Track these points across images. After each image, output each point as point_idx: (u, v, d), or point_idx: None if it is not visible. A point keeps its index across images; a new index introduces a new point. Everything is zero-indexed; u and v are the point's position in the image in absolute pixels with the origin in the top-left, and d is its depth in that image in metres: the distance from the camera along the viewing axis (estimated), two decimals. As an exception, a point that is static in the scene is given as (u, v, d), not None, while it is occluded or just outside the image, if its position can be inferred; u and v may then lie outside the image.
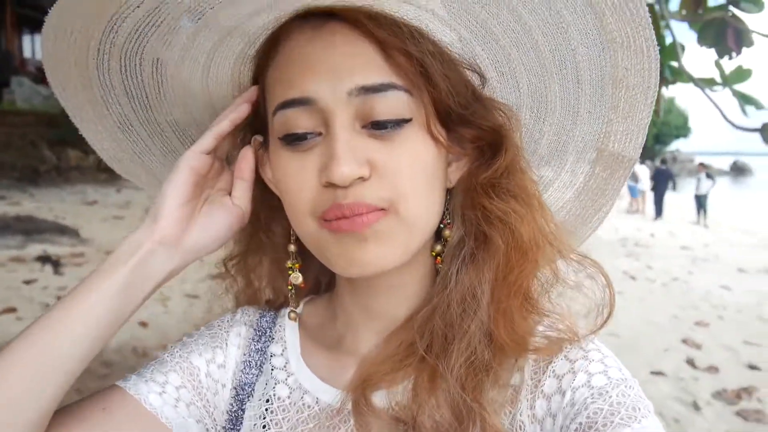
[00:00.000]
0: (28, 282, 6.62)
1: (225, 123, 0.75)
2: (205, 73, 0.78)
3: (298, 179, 0.69)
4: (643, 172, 20.00)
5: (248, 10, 0.68)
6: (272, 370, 0.82)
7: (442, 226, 0.75)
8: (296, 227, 0.73)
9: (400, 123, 0.67)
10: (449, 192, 0.75)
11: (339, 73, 0.66)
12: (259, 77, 0.76)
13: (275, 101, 0.70)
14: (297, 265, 0.82)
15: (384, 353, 0.73)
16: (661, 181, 18.57)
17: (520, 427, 0.65)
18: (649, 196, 19.36)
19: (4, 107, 19.67)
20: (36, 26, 25.43)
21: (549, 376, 0.66)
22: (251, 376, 0.82)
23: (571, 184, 0.83)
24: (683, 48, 3.49)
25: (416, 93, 0.67)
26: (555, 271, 0.72)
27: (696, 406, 4.54)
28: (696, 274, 9.57)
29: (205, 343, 0.85)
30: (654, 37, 0.66)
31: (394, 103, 0.66)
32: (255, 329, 0.87)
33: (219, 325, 0.88)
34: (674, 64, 3.25)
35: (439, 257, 0.76)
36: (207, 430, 0.80)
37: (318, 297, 0.90)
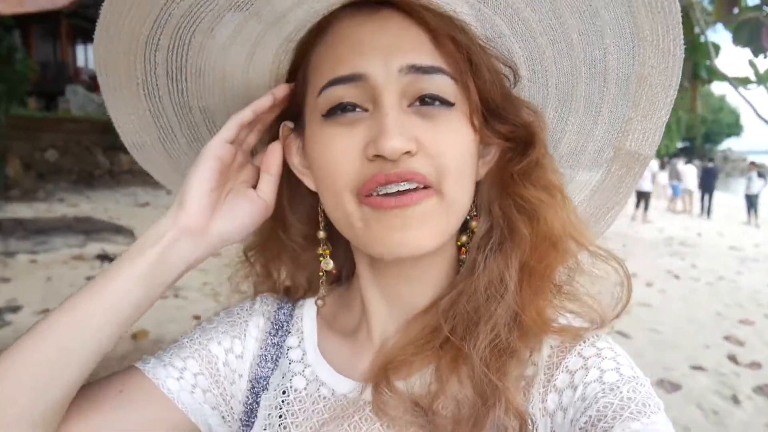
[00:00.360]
0: (89, 278, 6.92)
1: (247, 112, 0.75)
2: (249, 60, 0.79)
3: (341, 154, 0.68)
4: (691, 171, 19.64)
5: None
6: (289, 363, 0.83)
7: (468, 218, 0.76)
8: (332, 207, 0.72)
9: (445, 104, 0.68)
10: (476, 185, 0.76)
11: (391, 51, 0.67)
12: (300, 63, 0.77)
13: (323, 80, 0.70)
14: (327, 251, 0.83)
15: (405, 338, 0.74)
16: (709, 180, 18.29)
17: (531, 419, 0.66)
18: (697, 195, 19.03)
19: (60, 115, 20.53)
20: (88, 37, 26.22)
21: (562, 372, 0.67)
22: (267, 369, 0.83)
23: (588, 182, 0.84)
24: (718, 48, 3.57)
25: (461, 82, 0.69)
26: (578, 263, 0.73)
27: (736, 400, 4.56)
28: (744, 274, 9.41)
29: (225, 331, 0.85)
30: (681, 36, 0.68)
31: (440, 86, 0.68)
32: (272, 322, 0.87)
33: (238, 314, 0.88)
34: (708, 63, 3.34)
35: (463, 248, 0.78)
36: (223, 417, 0.81)
37: (335, 287, 0.90)
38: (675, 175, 19.84)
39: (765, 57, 3.37)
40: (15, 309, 5.73)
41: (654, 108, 0.75)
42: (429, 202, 0.67)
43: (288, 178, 0.82)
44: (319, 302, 0.87)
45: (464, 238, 0.78)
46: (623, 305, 0.71)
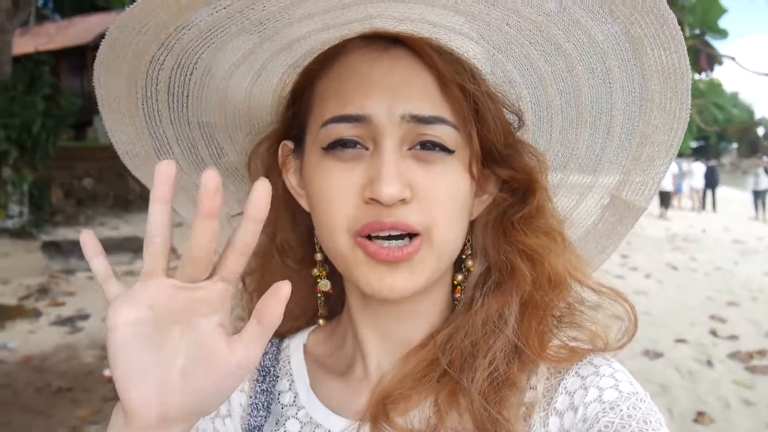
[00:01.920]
0: (143, 290, 7.80)
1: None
2: (253, 81, 0.78)
3: (339, 191, 0.68)
4: (699, 169, 20.32)
5: (317, 27, 0.69)
6: (282, 408, 0.80)
7: (463, 257, 0.76)
8: (326, 242, 0.71)
9: (444, 150, 0.68)
10: (471, 223, 0.76)
11: (396, 96, 0.67)
12: (305, 87, 0.76)
13: (327, 114, 0.69)
14: (325, 272, 0.80)
15: (402, 372, 0.73)
16: (711, 178, 19.37)
17: None
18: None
19: (91, 144, 21.56)
20: (114, 67, 27.12)
21: (561, 393, 0.67)
22: (259, 418, 0.80)
23: (580, 225, 0.84)
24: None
25: (463, 130, 0.69)
26: (580, 298, 0.73)
27: (710, 363, 5.31)
28: (741, 264, 10.04)
29: None
30: (689, 101, 0.69)
31: (441, 134, 0.67)
32: (258, 370, 0.84)
33: None
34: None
35: (459, 287, 0.78)
36: None
37: (322, 326, 0.87)
38: (682, 175, 20.72)
39: (706, 76, 4.24)
40: (84, 317, 6.64)
41: (654, 164, 0.76)
42: (420, 253, 0.67)
43: (285, 197, 0.81)
44: (321, 322, 0.85)
45: (460, 278, 0.78)
46: (629, 337, 0.71)
